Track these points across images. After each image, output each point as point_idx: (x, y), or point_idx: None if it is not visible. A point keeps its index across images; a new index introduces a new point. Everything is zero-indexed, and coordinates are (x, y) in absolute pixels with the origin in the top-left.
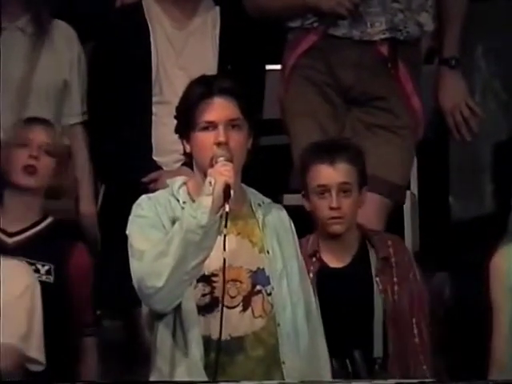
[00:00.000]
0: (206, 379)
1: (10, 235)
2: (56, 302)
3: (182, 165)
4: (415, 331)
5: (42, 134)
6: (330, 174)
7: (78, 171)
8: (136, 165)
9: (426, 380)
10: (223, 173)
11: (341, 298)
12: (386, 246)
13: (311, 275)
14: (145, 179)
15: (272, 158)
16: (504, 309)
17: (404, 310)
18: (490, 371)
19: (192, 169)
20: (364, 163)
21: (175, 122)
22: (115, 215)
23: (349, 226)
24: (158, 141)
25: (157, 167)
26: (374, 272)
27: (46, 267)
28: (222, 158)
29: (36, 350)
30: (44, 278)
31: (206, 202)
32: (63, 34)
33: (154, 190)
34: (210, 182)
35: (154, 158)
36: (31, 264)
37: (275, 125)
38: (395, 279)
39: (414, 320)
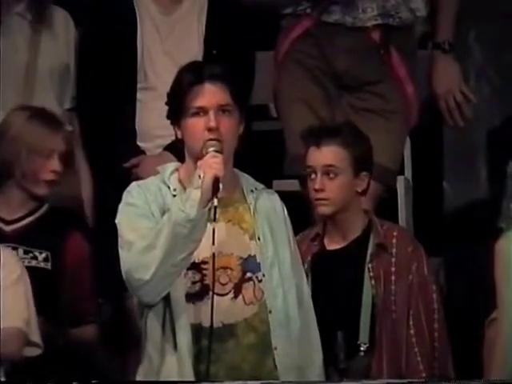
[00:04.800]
0: (191, 369)
1: (8, 223)
2: (55, 289)
3: (164, 149)
4: (411, 322)
5: (61, 142)
6: (316, 156)
7: (77, 158)
8: (120, 150)
9: (415, 380)
10: (212, 165)
11: (331, 279)
12: (389, 235)
13: (308, 258)
14: (126, 164)
15: (263, 144)
16: (508, 292)
17: (400, 300)
18: (493, 354)
19: (174, 154)
20: (365, 148)
21: (165, 107)
22: (106, 201)
23: (338, 208)
24: (142, 126)
25: (140, 152)
26: (368, 258)
27: (44, 254)
28: (212, 149)
29: (35, 334)
30: (42, 264)
31: (195, 195)
32: (61, 19)
33: (136, 175)
34: (200, 176)
35: (138, 143)
36: (28, 252)
37: (266, 110)
38: (393, 269)
39: (410, 312)
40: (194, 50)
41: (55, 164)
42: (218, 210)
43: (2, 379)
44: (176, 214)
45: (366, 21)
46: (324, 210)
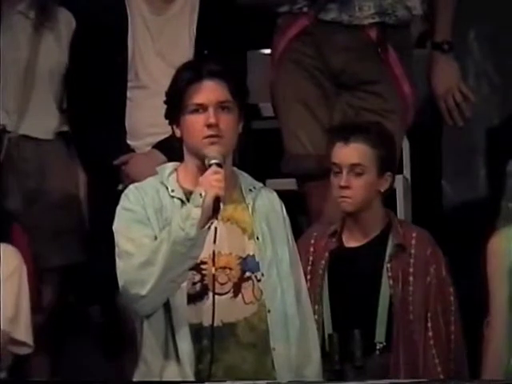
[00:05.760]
0: (192, 374)
1: None
2: None
3: (153, 148)
4: (429, 325)
5: None
6: (343, 152)
7: (73, 158)
8: (110, 149)
9: (420, 380)
10: (214, 184)
11: (349, 277)
12: (408, 236)
13: (326, 254)
14: (116, 162)
15: (254, 143)
16: (501, 290)
17: (417, 301)
18: (486, 353)
19: (163, 153)
20: (391, 149)
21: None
22: (96, 201)
23: (360, 206)
24: (132, 125)
25: (130, 151)
26: (386, 257)
27: None
28: (214, 161)
29: (24, 332)
30: None
31: (195, 213)
32: (63, 18)
33: (125, 173)
34: (201, 194)
35: (128, 141)
36: None
37: (257, 110)
38: (411, 270)
39: (428, 314)
40: (185, 50)
41: None
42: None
43: (2, 379)
44: (175, 233)
45: (362, 19)
46: (347, 207)
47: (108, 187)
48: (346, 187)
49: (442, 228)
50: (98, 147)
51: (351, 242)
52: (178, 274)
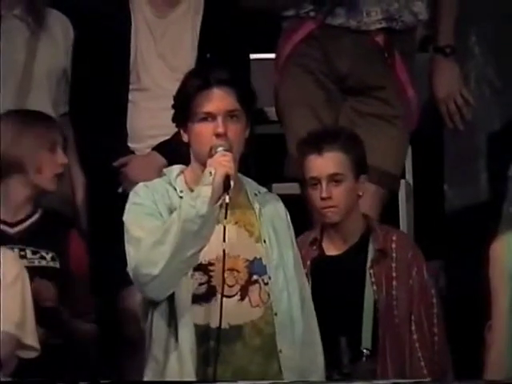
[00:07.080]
0: (192, 368)
1: (12, 225)
2: (65, 287)
3: (152, 150)
4: (413, 328)
5: (59, 135)
6: (319, 164)
7: (70, 161)
8: (111, 151)
9: (424, 380)
10: (223, 163)
11: (332, 285)
12: (388, 239)
13: (308, 263)
14: (115, 163)
15: (263, 147)
16: (503, 294)
17: (401, 305)
18: (488, 358)
19: (163, 155)
20: (361, 151)
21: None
22: (98, 203)
23: (345, 213)
24: (133, 127)
25: (130, 153)
26: (368, 263)
27: (50, 254)
28: (221, 148)
29: (31, 336)
30: (51, 264)
31: (206, 191)
32: (59, 22)
33: (124, 175)
34: (210, 172)
35: (129, 144)
36: (36, 252)
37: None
38: (394, 274)
39: (412, 317)
40: (187, 53)
41: (62, 156)
42: (227, 214)
43: (2, 379)
44: (186, 211)
45: (370, 24)
46: (333, 217)
47: (109, 190)
48: (328, 198)
49: (444, 232)
50: (100, 150)
51: (332, 250)
52: (190, 254)
